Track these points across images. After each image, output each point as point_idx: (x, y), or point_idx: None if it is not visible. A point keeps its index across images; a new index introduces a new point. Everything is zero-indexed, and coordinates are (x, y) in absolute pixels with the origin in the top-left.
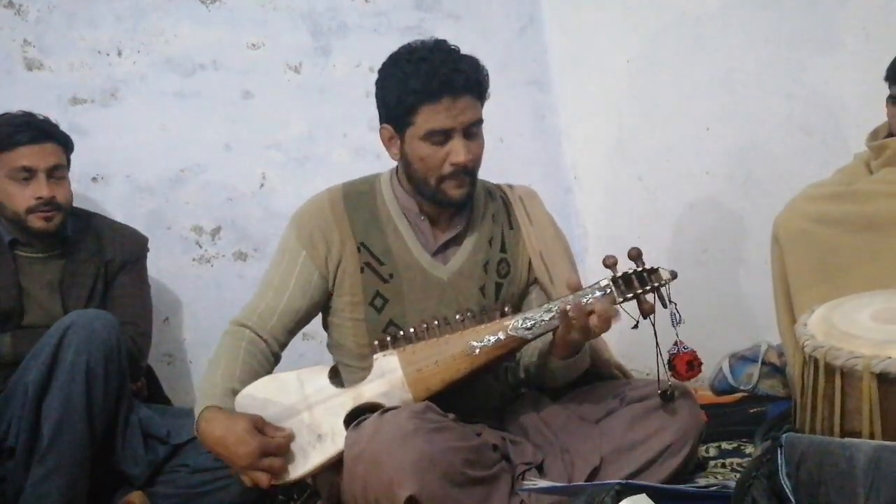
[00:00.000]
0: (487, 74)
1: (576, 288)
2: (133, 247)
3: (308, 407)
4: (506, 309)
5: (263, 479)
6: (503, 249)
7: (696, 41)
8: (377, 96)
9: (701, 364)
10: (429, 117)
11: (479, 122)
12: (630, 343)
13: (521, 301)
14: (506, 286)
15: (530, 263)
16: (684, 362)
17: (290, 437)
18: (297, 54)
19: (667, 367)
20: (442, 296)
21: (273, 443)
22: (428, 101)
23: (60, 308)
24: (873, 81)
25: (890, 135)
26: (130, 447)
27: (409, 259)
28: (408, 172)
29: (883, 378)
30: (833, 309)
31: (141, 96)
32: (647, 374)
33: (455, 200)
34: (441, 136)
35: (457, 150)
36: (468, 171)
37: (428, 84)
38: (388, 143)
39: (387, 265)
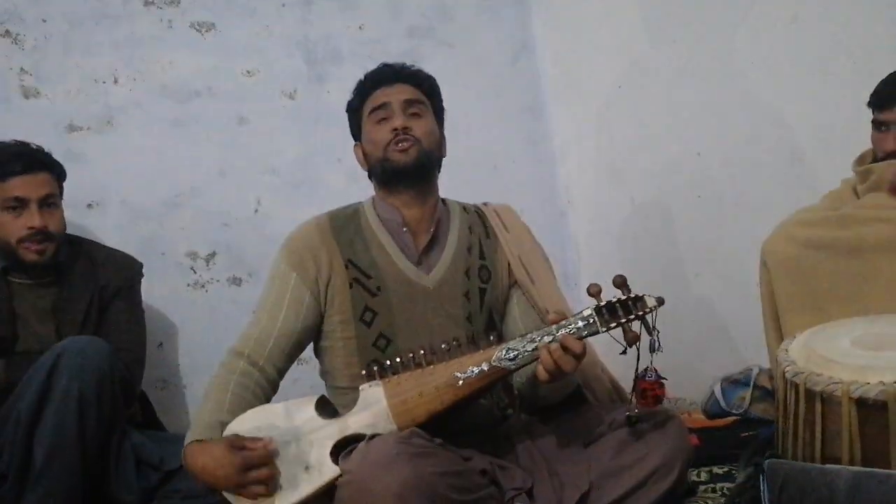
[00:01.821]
0: (433, 79)
1: (560, 319)
2: (127, 272)
3: (296, 438)
4: (491, 338)
5: (259, 489)
6: (482, 256)
7: (686, 66)
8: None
9: (658, 396)
10: (370, 103)
11: (420, 102)
12: (623, 366)
13: (504, 306)
14: (489, 291)
15: (509, 267)
16: (641, 388)
17: (271, 450)
18: (291, 81)
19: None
20: (428, 303)
21: (254, 455)
22: (368, 96)
23: (54, 334)
24: (861, 106)
25: (875, 160)
26: (123, 474)
27: (394, 271)
28: (370, 169)
29: (861, 403)
30: (814, 335)
31: (137, 123)
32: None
33: (400, 164)
34: (382, 112)
35: (394, 119)
36: (411, 136)
37: (365, 82)
38: (359, 159)
39: (374, 278)
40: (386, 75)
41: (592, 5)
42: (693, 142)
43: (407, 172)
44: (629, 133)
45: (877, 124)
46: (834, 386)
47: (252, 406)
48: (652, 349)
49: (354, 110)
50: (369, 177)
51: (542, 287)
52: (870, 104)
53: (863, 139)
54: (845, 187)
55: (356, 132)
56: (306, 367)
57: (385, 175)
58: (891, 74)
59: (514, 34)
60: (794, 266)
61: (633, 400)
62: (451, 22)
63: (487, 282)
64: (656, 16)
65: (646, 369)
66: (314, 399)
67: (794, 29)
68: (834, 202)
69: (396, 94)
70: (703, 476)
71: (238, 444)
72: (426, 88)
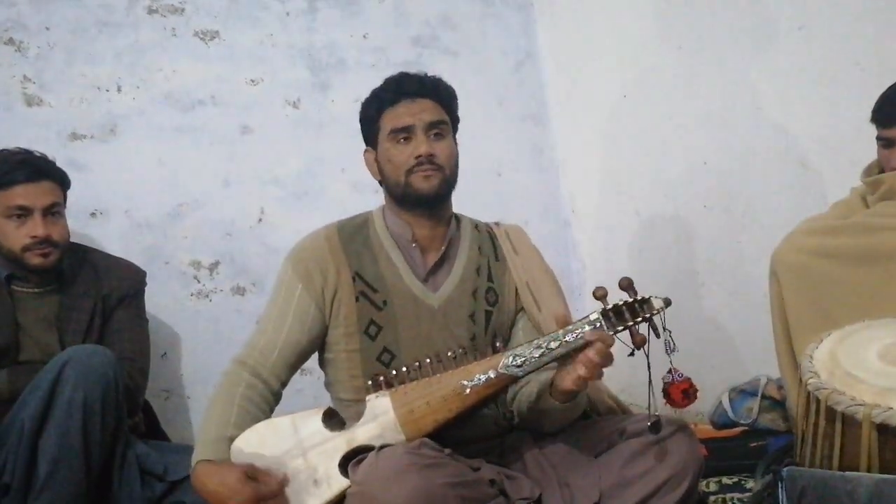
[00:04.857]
0: (452, 90)
1: (564, 322)
2: (130, 281)
3: (303, 452)
4: (497, 344)
5: None
6: (490, 279)
7: (692, 76)
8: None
9: (696, 391)
10: (391, 119)
11: (443, 123)
12: (627, 373)
13: (510, 330)
14: (495, 314)
15: (517, 292)
16: (679, 391)
17: (284, 482)
18: (295, 90)
19: (663, 395)
20: (433, 322)
21: (266, 489)
22: (388, 106)
23: (57, 344)
24: (868, 115)
25: (882, 171)
26: (127, 484)
27: (401, 286)
28: (385, 184)
29: (883, 429)
30: (841, 341)
31: (140, 132)
32: (645, 408)
33: (423, 192)
34: (404, 134)
35: (419, 144)
36: (435, 164)
37: (385, 92)
38: (371, 166)
39: (380, 292)
40: (408, 88)
41: (597, 14)
42: (699, 151)
43: (427, 200)
44: (634, 142)
45: (882, 141)
46: (856, 408)
47: (257, 419)
48: (668, 350)
49: (372, 121)
50: (380, 183)
51: (549, 313)
52: (872, 120)
53: (871, 148)
54: (854, 196)
55: (370, 139)
56: (310, 378)
57: (404, 198)
58: (890, 88)
59: (519, 42)
60: (805, 275)
61: (653, 405)
62: (454, 30)
63: (494, 305)
64: (662, 25)
65: (670, 371)
66: (321, 411)
67: (802, 37)
68: (843, 210)
69: (420, 115)
70: (713, 486)
71: (253, 473)
72: (447, 104)
